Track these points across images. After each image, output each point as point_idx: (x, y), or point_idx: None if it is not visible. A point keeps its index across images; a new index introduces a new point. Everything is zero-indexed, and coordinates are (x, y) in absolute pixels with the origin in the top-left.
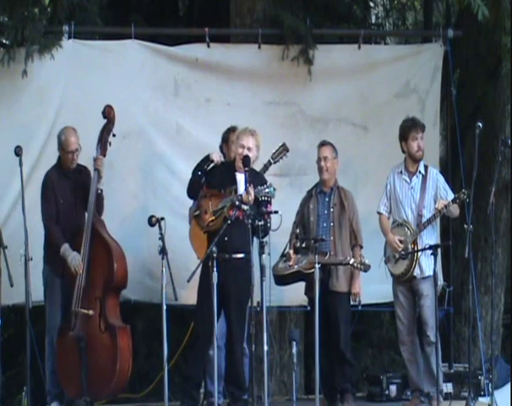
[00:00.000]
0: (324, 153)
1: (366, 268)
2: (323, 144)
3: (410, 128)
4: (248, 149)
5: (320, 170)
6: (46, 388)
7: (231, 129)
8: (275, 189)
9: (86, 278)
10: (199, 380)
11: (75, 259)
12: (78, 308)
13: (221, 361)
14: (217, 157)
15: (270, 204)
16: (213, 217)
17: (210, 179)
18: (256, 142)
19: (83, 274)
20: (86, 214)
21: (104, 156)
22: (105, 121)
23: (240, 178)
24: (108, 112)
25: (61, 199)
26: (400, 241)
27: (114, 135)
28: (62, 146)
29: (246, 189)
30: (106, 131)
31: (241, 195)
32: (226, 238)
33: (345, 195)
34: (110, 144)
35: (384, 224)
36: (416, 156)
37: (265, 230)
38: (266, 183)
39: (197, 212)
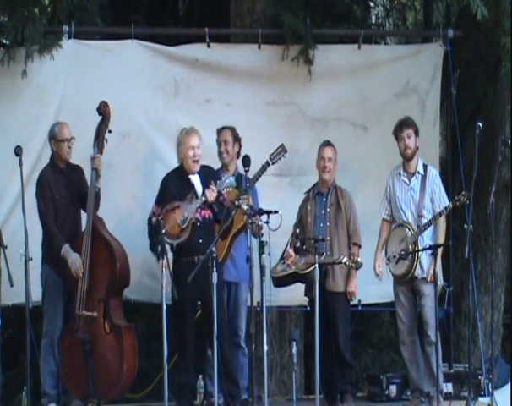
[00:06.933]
0: (328, 154)
1: (358, 266)
2: (328, 144)
3: (396, 128)
4: (198, 147)
5: (323, 170)
6: (42, 390)
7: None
8: (234, 178)
9: (89, 280)
10: (194, 383)
11: (75, 262)
12: (81, 311)
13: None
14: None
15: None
16: (182, 227)
17: (167, 192)
18: (200, 139)
19: (85, 276)
20: (83, 213)
21: (101, 153)
22: (100, 118)
23: (194, 179)
24: (104, 109)
25: (57, 195)
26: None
27: (110, 131)
28: (57, 137)
29: (206, 187)
30: (103, 128)
31: (204, 194)
32: (200, 241)
33: (342, 195)
34: (106, 141)
35: (382, 233)
36: (405, 154)
37: (226, 217)
38: (220, 177)
39: (164, 230)
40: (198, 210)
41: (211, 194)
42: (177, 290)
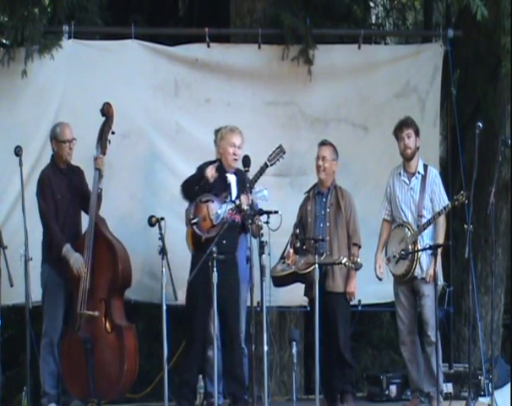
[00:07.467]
0: (323, 153)
1: (357, 266)
2: (323, 143)
3: (396, 128)
4: (239, 147)
5: (317, 169)
6: (42, 390)
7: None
8: (267, 190)
9: (90, 280)
10: (195, 383)
11: (77, 261)
12: (83, 310)
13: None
14: (211, 174)
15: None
16: (214, 223)
17: (203, 184)
18: (242, 139)
19: (87, 276)
20: (84, 213)
21: (104, 154)
22: (103, 119)
23: (231, 179)
24: (107, 110)
25: (58, 194)
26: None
27: (113, 133)
28: (58, 137)
29: (241, 193)
30: (106, 129)
31: (240, 199)
32: (224, 241)
33: (342, 195)
34: (109, 142)
35: (382, 233)
36: (405, 154)
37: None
38: (253, 187)
39: (195, 220)
40: (230, 211)
41: (246, 202)
42: (190, 289)
